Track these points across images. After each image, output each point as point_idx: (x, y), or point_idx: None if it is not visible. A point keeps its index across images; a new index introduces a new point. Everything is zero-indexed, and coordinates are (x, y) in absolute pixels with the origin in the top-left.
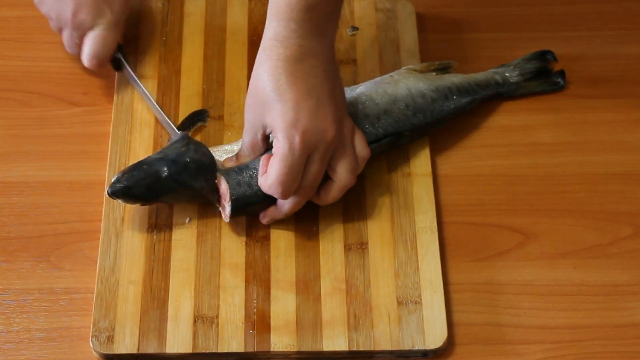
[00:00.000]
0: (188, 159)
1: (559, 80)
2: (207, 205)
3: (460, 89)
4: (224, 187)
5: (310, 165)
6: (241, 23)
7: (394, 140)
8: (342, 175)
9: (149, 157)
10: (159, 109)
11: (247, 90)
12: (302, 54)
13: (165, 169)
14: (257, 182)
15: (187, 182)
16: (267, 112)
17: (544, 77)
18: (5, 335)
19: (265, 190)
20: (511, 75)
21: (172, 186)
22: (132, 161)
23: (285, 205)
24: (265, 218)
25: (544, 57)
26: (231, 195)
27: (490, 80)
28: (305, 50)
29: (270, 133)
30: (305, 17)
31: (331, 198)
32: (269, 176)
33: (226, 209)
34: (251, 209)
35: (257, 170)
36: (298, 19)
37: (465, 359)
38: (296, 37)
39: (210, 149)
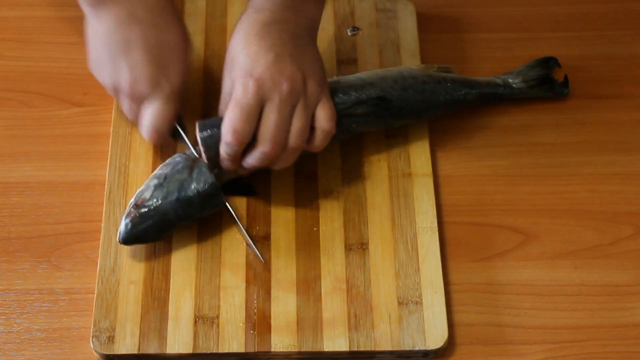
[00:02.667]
0: (191, 194)
1: (563, 88)
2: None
3: (455, 80)
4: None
5: (265, 115)
6: None
7: (379, 102)
8: (291, 135)
9: (152, 191)
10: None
11: None
12: (272, 19)
13: (172, 210)
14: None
15: (195, 214)
16: (233, 67)
17: (547, 85)
18: (5, 336)
19: (223, 139)
20: (514, 81)
21: (181, 222)
22: (133, 162)
23: (249, 160)
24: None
25: (547, 64)
26: (199, 129)
27: (491, 81)
28: (276, 17)
29: None
30: None
31: (282, 160)
32: (224, 122)
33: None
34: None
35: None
36: None
37: (465, 359)
38: (270, 6)
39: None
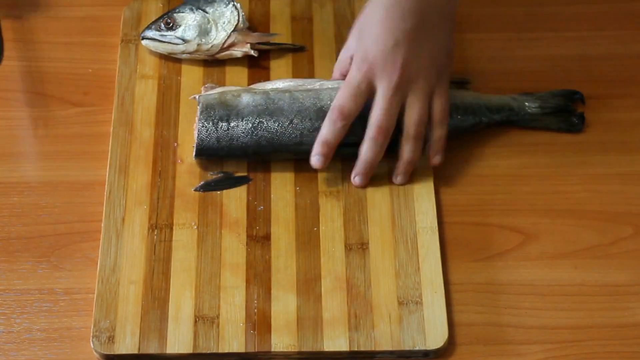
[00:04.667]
0: None
1: (577, 122)
2: (207, 205)
3: (467, 109)
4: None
5: (374, 101)
6: None
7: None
8: (408, 125)
9: None
10: None
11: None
12: None
13: None
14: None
15: None
16: (358, 40)
17: (563, 115)
18: (5, 336)
19: (329, 117)
20: (530, 105)
21: None
22: (133, 162)
23: (360, 156)
24: (356, 176)
25: (571, 97)
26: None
27: (505, 105)
28: None
29: None
30: None
31: (405, 160)
32: (334, 102)
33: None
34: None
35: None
36: None
37: (465, 359)
38: None
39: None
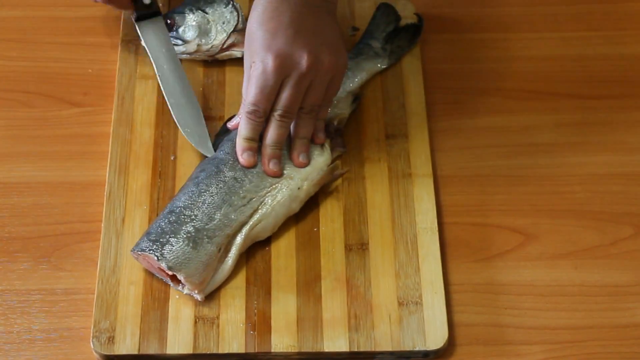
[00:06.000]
0: None
1: (419, 26)
2: None
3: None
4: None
5: (282, 91)
6: None
7: None
8: (303, 110)
9: None
10: None
11: None
12: None
13: None
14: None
15: None
16: (251, 44)
17: (403, 32)
18: (5, 336)
19: (244, 115)
20: (384, 46)
21: None
22: (133, 162)
23: (267, 135)
24: (270, 162)
25: (395, 15)
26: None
27: (373, 69)
28: None
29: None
30: None
31: (300, 135)
32: (245, 98)
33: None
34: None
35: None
36: None
37: None
38: None
39: None
